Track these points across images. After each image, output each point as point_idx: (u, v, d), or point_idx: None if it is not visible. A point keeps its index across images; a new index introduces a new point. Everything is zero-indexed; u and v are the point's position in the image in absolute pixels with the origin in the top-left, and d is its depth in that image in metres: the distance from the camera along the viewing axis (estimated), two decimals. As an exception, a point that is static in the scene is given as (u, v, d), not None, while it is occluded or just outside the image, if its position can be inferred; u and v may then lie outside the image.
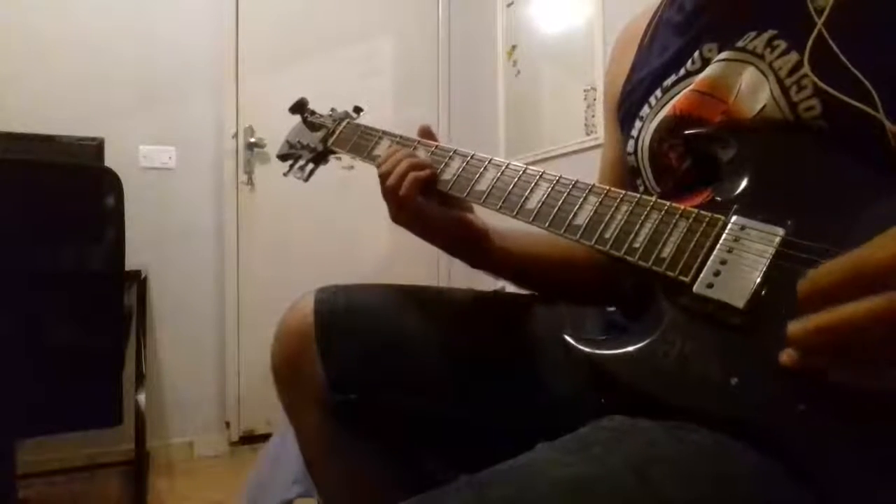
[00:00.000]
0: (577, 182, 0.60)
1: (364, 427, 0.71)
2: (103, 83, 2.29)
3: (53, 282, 1.26)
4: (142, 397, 1.88)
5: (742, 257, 0.48)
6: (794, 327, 0.35)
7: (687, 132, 0.59)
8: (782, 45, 0.55)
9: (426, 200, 0.69)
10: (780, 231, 0.47)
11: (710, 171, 0.57)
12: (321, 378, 0.68)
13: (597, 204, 0.57)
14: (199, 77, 2.44)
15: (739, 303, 0.46)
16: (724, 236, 0.49)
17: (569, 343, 0.53)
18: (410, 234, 0.71)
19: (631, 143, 0.68)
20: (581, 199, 0.58)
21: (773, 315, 0.43)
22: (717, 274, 0.48)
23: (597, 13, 1.96)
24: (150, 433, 2.01)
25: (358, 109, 0.89)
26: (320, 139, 0.86)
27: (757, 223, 0.49)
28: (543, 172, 0.63)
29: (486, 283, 0.98)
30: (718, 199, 0.53)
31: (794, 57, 0.54)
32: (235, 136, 2.46)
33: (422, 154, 0.72)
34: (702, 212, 0.52)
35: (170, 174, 2.39)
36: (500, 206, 0.64)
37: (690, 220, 0.52)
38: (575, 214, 0.58)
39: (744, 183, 0.53)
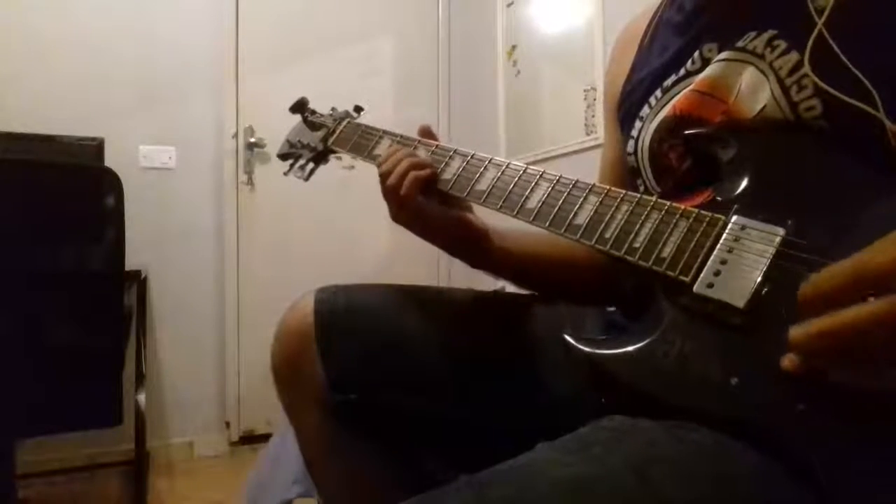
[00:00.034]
0: (577, 182, 0.60)
1: (364, 427, 0.71)
2: (103, 83, 2.29)
3: (53, 282, 1.26)
4: (142, 397, 1.88)
5: (742, 257, 0.48)
6: (796, 331, 0.36)
7: (687, 132, 0.59)
8: (782, 44, 0.55)
9: (426, 200, 0.69)
10: (781, 231, 0.47)
11: (710, 171, 0.56)
12: (321, 378, 0.68)
13: (597, 204, 0.57)
14: (199, 77, 2.44)
15: (740, 303, 0.46)
16: (724, 236, 0.49)
17: (569, 343, 0.53)
18: (410, 234, 0.71)
19: (631, 143, 0.68)
20: (581, 199, 0.58)
21: (774, 315, 0.43)
22: (717, 274, 0.48)
23: (597, 13, 1.96)
24: (150, 433, 2.01)
25: (358, 109, 0.89)
26: (321, 138, 0.86)
27: (757, 223, 0.49)
28: (544, 172, 0.63)
29: (486, 283, 0.98)
30: (719, 198, 0.53)
31: (794, 57, 0.54)
32: (235, 136, 2.46)
33: (422, 153, 0.72)
34: (702, 212, 0.52)
35: (170, 174, 2.39)
36: (501, 206, 0.64)
37: (691, 220, 0.52)
38: (575, 214, 0.58)
39: (744, 183, 0.53)
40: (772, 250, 0.47)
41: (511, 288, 0.83)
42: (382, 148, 0.77)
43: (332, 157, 0.89)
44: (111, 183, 1.24)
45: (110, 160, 2.06)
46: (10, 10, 2.18)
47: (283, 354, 0.72)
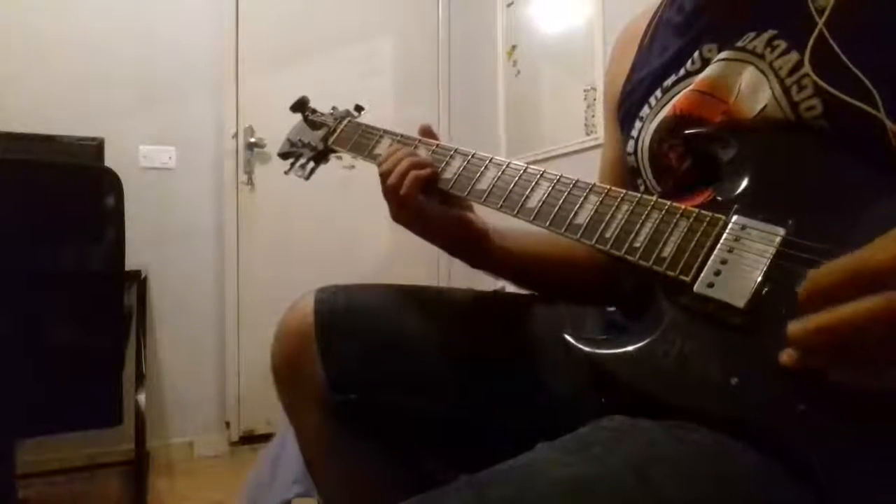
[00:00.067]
0: (577, 181, 0.60)
1: (364, 427, 0.71)
2: (103, 83, 2.29)
3: (53, 282, 1.26)
4: (142, 397, 1.88)
5: (743, 257, 0.48)
6: (795, 327, 0.36)
7: (687, 132, 0.59)
8: (782, 44, 0.55)
9: (427, 199, 0.69)
10: (781, 231, 0.47)
11: (710, 171, 0.56)
12: (321, 378, 0.68)
13: (597, 203, 0.57)
14: (199, 77, 2.44)
15: (740, 302, 0.46)
16: (724, 236, 0.49)
17: (569, 343, 0.53)
18: (410, 234, 0.71)
19: (631, 143, 0.68)
20: (582, 199, 0.58)
21: (774, 315, 0.43)
22: (717, 273, 0.48)
23: (597, 13, 1.96)
24: (150, 433, 2.01)
25: (359, 108, 0.89)
26: (321, 138, 0.86)
27: (758, 223, 0.49)
28: (544, 172, 0.63)
29: (486, 283, 0.98)
30: (719, 198, 0.53)
31: (794, 57, 0.54)
32: (235, 136, 2.46)
33: (423, 153, 0.72)
34: (702, 211, 0.52)
35: (170, 174, 2.39)
36: (501, 205, 0.64)
37: (691, 220, 0.52)
38: (576, 214, 0.58)
39: (744, 183, 0.53)
40: (772, 250, 0.46)
41: (511, 288, 0.83)
42: (383, 147, 0.77)
43: (332, 157, 0.89)
44: (111, 183, 1.24)
45: (110, 160, 2.06)
46: (10, 10, 2.18)
47: (283, 354, 0.72)
